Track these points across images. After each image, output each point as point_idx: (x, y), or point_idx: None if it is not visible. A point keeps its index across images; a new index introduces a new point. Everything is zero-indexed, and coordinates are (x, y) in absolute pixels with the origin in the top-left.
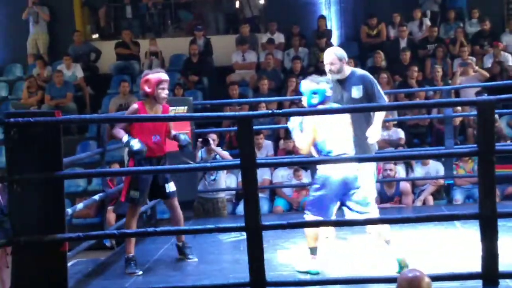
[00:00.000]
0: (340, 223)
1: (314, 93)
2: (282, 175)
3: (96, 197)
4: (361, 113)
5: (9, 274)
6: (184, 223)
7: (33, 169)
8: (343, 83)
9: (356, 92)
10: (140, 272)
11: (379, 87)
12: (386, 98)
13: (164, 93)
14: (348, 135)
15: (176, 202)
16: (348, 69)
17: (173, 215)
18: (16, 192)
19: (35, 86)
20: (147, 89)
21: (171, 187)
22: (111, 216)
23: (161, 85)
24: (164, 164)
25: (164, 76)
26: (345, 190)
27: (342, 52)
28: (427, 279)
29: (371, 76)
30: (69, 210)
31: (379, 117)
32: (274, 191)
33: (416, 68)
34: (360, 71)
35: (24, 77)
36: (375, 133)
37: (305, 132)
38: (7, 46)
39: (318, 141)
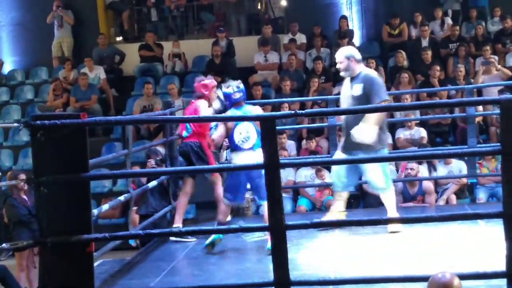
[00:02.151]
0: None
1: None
2: (305, 174)
3: (121, 197)
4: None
5: (37, 274)
6: (208, 223)
7: (60, 170)
8: (352, 81)
9: (356, 90)
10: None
11: (381, 88)
12: (386, 99)
13: (216, 95)
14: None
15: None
16: (359, 68)
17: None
18: (42, 193)
19: (60, 89)
20: (205, 92)
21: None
22: (135, 216)
23: (214, 89)
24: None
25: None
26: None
27: (351, 52)
28: (457, 281)
29: (374, 77)
30: (95, 211)
31: (370, 117)
32: (297, 190)
33: (438, 67)
34: (366, 71)
35: (49, 80)
36: (358, 131)
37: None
38: (33, 49)
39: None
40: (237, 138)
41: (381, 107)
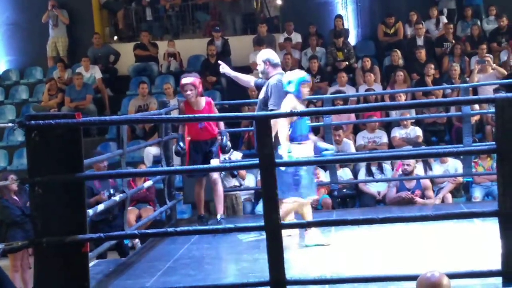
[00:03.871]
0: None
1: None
2: None
3: (117, 197)
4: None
5: (32, 275)
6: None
7: (54, 170)
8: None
9: (261, 93)
10: None
11: (277, 96)
12: (275, 109)
13: None
14: None
15: (217, 176)
16: (273, 72)
17: (213, 189)
18: (37, 193)
19: (55, 89)
20: (201, 89)
21: (213, 162)
22: (131, 216)
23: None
24: (211, 146)
25: None
26: None
27: (268, 56)
28: (446, 280)
29: (276, 84)
30: (90, 211)
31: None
32: None
33: (432, 66)
34: (275, 77)
35: (44, 79)
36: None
37: None
38: (28, 49)
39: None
40: (306, 128)
41: (378, 106)
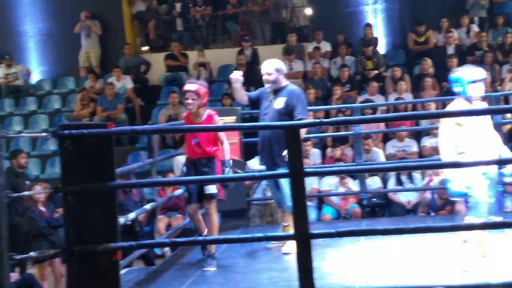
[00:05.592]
0: (382, 232)
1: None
2: (329, 183)
3: (147, 206)
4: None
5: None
6: (233, 232)
7: (87, 179)
8: (275, 94)
9: (278, 103)
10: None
11: (304, 105)
12: (306, 118)
13: None
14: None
15: (211, 205)
16: (284, 82)
17: (208, 218)
18: (70, 202)
19: (87, 99)
20: (205, 100)
21: (210, 189)
22: (161, 225)
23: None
24: (205, 166)
25: None
26: None
27: (280, 65)
28: None
29: (299, 93)
30: (121, 219)
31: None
32: (321, 199)
33: None
34: (292, 86)
35: (76, 89)
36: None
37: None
38: (60, 59)
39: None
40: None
41: (408, 115)
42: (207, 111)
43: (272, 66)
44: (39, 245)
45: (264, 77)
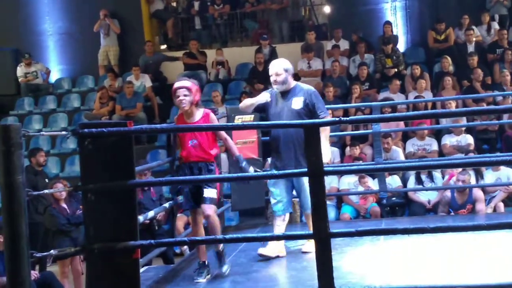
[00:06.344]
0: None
1: None
2: (349, 182)
3: (166, 204)
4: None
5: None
6: (252, 230)
7: (106, 178)
8: (285, 95)
9: (296, 103)
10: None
11: (323, 103)
12: (328, 115)
13: None
14: None
15: (208, 210)
16: (293, 82)
17: (208, 221)
18: (90, 200)
19: (106, 97)
20: (198, 98)
21: (207, 193)
22: (180, 223)
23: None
24: (202, 169)
25: None
26: None
27: (289, 65)
28: None
29: (315, 91)
30: (140, 218)
31: (326, 134)
32: (340, 198)
33: (480, 71)
34: (304, 85)
35: (95, 88)
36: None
37: None
38: (79, 58)
39: None
40: None
41: (428, 114)
42: (202, 110)
43: (280, 66)
44: (60, 242)
45: (273, 78)
